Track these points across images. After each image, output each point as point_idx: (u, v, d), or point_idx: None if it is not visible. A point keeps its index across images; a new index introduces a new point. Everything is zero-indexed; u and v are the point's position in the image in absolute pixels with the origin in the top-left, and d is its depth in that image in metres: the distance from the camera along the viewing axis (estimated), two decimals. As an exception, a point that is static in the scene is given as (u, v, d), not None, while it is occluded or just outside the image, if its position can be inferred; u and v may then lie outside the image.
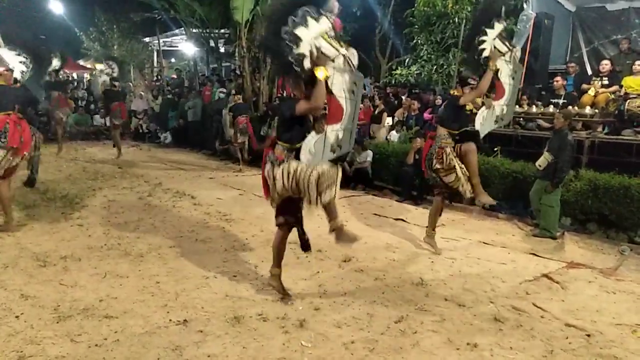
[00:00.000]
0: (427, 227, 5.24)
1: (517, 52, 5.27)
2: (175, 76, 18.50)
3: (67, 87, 16.08)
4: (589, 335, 3.39)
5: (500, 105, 5.21)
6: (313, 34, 3.35)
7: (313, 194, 3.30)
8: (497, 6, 4.92)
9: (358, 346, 3.12)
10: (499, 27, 4.87)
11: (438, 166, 4.80)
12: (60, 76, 15.93)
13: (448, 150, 4.74)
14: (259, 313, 3.50)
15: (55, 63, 11.57)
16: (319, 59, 3.35)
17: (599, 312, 3.79)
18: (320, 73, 3.32)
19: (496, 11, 4.88)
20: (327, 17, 3.46)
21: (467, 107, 4.87)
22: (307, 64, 3.34)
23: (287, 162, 3.42)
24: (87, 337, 3.09)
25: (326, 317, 3.50)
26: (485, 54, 4.78)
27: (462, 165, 4.76)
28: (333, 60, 3.49)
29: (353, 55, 3.64)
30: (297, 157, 3.47)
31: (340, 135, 3.74)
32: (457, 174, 4.72)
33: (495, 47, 4.82)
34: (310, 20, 3.34)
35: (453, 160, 4.72)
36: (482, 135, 5.03)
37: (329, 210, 3.44)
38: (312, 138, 3.51)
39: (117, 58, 12.58)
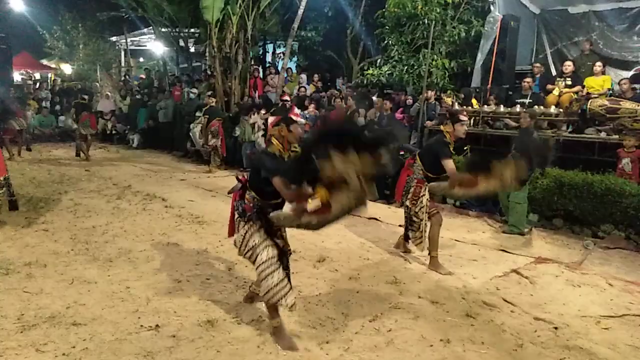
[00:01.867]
0: (429, 251, 4.71)
1: None
2: (143, 76, 18.12)
3: (27, 87, 15.61)
4: (556, 328, 3.50)
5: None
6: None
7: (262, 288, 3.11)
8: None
9: (333, 346, 3.13)
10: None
11: (409, 205, 4.68)
12: (20, 76, 15.42)
13: (424, 200, 4.59)
14: (233, 316, 3.46)
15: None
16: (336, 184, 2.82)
17: (565, 305, 3.91)
18: (316, 199, 2.83)
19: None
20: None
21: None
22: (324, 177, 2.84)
23: (252, 221, 3.19)
24: (54, 346, 2.98)
25: (301, 318, 3.49)
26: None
27: (427, 224, 4.63)
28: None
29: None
30: (264, 215, 3.21)
31: (314, 222, 3.17)
32: (420, 226, 4.61)
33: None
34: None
35: (424, 215, 4.59)
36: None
37: (268, 308, 3.20)
38: (288, 212, 3.13)
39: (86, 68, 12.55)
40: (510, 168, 4.04)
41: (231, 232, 3.42)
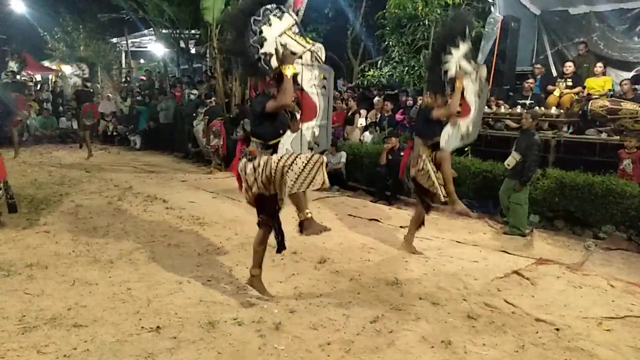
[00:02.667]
0: (406, 233, 5.21)
1: (483, 71, 5.34)
2: (144, 77, 18.12)
3: (29, 88, 15.60)
4: (557, 330, 3.49)
5: (466, 123, 5.21)
6: (277, 32, 3.38)
7: (290, 182, 3.24)
8: (461, 26, 4.94)
9: (334, 347, 3.12)
10: (464, 47, 4.90)
11: (413, 172, 4.84)
12: (22, 78, 15.43)
13: (424, 156, 4.78)
14: (234, 317, 3.46)
15: (11, 65, 11.29)
16: (286, 56, 3.36)
17: (567, 307, 3.91)
18: (287, 71, 3.32)
19: (460, 31, 4.89)
20: (289, 13, 3.47)
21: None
22: (274, 62, 3.36)
23: (260, 157, 3.42)
24: (55, 347, 2.98)
25: (302, 319, 3.48)
26: (451, 74, 4.78)
27: (437, 172, 4.79)
28: (300, 57, 3.51)
29: (320, 49, 3.66)
30: (272, 153, 3.47)
31: (317, 132, 3.76)
32: (431, 178, 4.74)
33: (461, 67, 4.85)
34: (273, 19, 3.37)
35: (427, 165, 4.75)
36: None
37: (297, 202, 3.41)
38: (288, 137, 3.51)
39: (86, 59, 12.34)
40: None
41: (240, 186, 3.61)
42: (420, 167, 4.79)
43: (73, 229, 5.50)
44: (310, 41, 3.62)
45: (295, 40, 3.47)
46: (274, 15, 3.38)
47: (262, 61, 3.33)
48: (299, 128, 3.56)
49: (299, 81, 3.53)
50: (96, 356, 2.92)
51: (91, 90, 11.37)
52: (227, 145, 10.00)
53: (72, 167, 9.91)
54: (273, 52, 3.36)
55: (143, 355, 2.94)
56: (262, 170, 3.36)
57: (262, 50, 3.31)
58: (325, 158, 3.40)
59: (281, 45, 3.39)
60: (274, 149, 3.50)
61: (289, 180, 3.25)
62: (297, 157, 3.32)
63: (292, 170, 3.25)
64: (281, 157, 3.34)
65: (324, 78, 3.74)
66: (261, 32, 3.31)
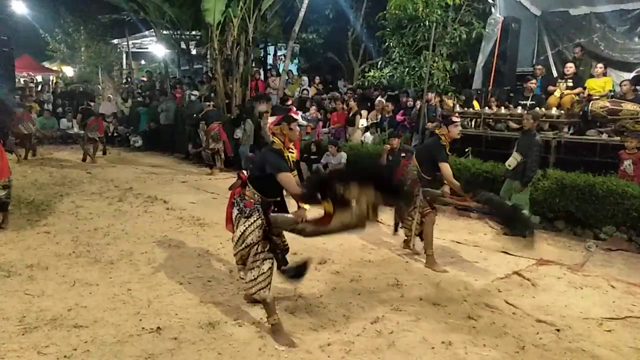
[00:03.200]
0: (425, 250, 4.82)
1: None
2: (144, 78, 18.14)
3: (29, 90, 15.66)
4: (558, 330, 3.48)
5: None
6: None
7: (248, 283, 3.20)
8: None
9: (334, 348, 3.12)
10: None
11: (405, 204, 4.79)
12: (22, 79, 15.52)
13: (417, 201, 4.71)
14: (235, 318, 3.46)
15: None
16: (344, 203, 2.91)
17: (567, 307, 3.90)
18: (328, 207, 2.90)
19: None
20: None
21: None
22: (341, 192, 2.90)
23: (253, 216, 3.23)
24: (56, 348, 2.98)
25: (302, 320, 3.48)
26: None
27: (419, 224, 4.79)
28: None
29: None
30: (276, 208, 3.32)
31: (309, 229, 3.30)
32: (414, 220, 4.76)
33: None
34: None
35: (416, 217, 4.74)
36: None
37: (264, 306, 3.30)
38: (289, 215, 3.29)
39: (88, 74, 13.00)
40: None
41: (230, 227, 3.47)
42: (410, 209, 4.78)
43: (73, 229, 5.51)
44: None
45: None
46: None
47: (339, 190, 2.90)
48: (302, 220, 3.22)
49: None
50: (96, 357, 2.92)
51: (94, 110, 12.36)
52: (229, 146, 9.99)
53: (73, 168, 9.92)
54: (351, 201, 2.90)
55: (143, 356, 2.94)
56: (246, 237, 3.21)
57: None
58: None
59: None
60: (275, 205, 3.32)
61: (248, 277, 3.22)
62: (264, 260, 3.21)
63: (255, 268, 3.19)
64: (266, 262, 3.21)
65: None
66: None
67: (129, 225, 5.77)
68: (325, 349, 3.11)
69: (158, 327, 3.28)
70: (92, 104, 11.98)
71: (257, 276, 3.21)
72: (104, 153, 11.66)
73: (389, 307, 3.75)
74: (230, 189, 3.49)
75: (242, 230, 3.25)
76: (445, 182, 4.66)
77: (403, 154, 7.12)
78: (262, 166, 3.23)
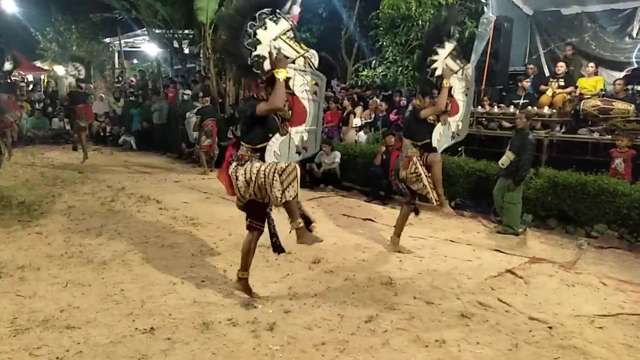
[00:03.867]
0: (393, 233, 5.21)
1: (469, 70, 5.45)
2: (132, 79, 18.00)
3: (20, 89, 15.49)
4: (550, 328, 3.51)
5: (455, 122, 5.32)
6: (272, 35, 3.41)
7: (276, 191, 3.26)
8: (447, 26, 5.02)
9: (329, 347, 3.12)
10: (449, 46, 4.99)
11: (404, 174, 4.87)
12: (13, 78, 15.32)
13: (415, 159, 4.81)
14: (229, 318, 3.45)
15: (7, 66, 11.16)
16: (279, 60, 3.38)
17: (559, 305, 3.93)
18: (279, 74, 3.33)
19: (446, 31, 4.98)
20: (285, 19, 3.50)
21: (429, 119, 4.91)
22: (266, 65, 3.38)
23: (250, 162, 3.42)
24: (48, 349, 2.96)
25: (296, 319, 3.48)
26: (438, 72, 4.86)
27: (428, 174, 4.82)
28: (293, 62, 3.54)
29: (314, 56, 3.69)
30: (261, 158, 3.48)
31: (305, 137, 3.78)
32: (423, 182, 4.78)
33: (447, 66, 4.94)
34: (269, 23, 3.40)
35: (419, 169, 4.78)
36: (439, 150, 5.09)
37: (290, 210, 3.40)
38: (276, 140, 3.52)
39: (82, 58, 12.11)
40: None
41: (230, 191, 3.61)
42: (411, 170, 4.81)
43: (65, 230, 5.46)
44: (305, 47, 3.64)
45: (289, 45, 3.50)
46: (270, 19, 3.41)
47: (255, 63, 3.36)
48: (287, 132, 3.56)
49: (291, 85, 3.55)
50: (89, 358, 2.90)
51: (85, 92, 11.09)
52: (218, 147, 9.97)
53: (65, 168, 9.84)
54: (267, 55, 3.38)
55: (137, 356, 2.93)
56: (256, 177, 3.35)
57: (255, 53, 3.34)
58: (298, 170, 3.37)
59: (275, 49, 3.40)
60: (262, 152, 3.50)
61: (276, 190, 3.27)
62: (277, 167, 3.33)
63: (276, 180, 3.27)
64: (267, 166, 3.36)
65: (316, 84, 3.75)
66: (256, 34, 3.34)
67: (121, 225, 5.73)
68: (320, 348, 3.11)
69: (151, 328, 3.26)
70: (82, 85, 10.99)
71: (284, 180, 3.26)
72: (84, 159, 10.76)
73: (382, 306, 3.76)
74: (224, 147, 3.60)
75: (242, 173, 3.39)
76: (437, 106, 4.78)
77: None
78: (245, 112, 3.47)
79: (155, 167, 10.47)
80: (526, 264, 4.92)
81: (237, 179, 3.45)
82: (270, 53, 3.39)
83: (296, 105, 3.64)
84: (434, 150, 4.96)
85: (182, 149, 11.35)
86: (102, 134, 14.19)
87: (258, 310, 3.59)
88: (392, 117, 9.23)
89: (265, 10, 3.38)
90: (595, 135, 6.74)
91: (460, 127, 5.42)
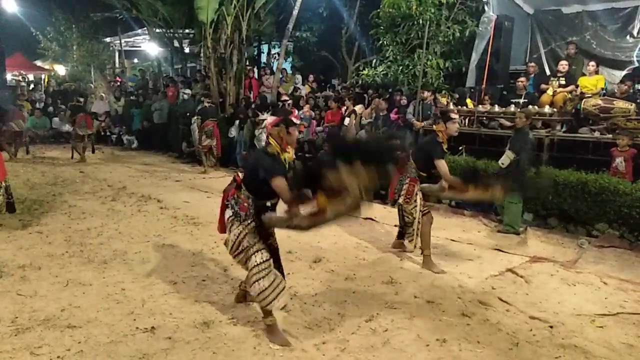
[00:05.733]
0: (421, 250, 4.79)
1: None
2: (120, 79, 17.98)
3: (20, 88, 15.52)
4: (551, 327, 3.51)
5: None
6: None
7: (254, 292, 3.11)
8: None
9: (329, 346, 3.12)
10: None
11: (402, 203, 4.74)
12: (13, 78, 15.38)
13: (418, 199, 4.65)
14: (229, 317, 3.45)
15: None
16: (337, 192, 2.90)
17: (560, 304, 3.93)
18: (322, 204, 2.90)
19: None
20: None
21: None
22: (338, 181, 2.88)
23: (247, 221, 3.18)
24: (49, 349, 2.97)
25: (297, 319, 3.49)
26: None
27: (420, 222, 4.69)
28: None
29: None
30: (258, 215, 3.20)
31: (304, 223, 3.21)
32: (416, 218, 4.68)
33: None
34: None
35: (417, 213, 4.66)
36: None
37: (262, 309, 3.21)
38: (283, 215, 3.18)
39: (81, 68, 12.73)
40: (499, 189, 4.30)
41: (222, 229, 3.41)
42: (410, 207, 4.69)
43: (66, 229, 5.47)
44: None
45: None
46: None
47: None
48: (296, 217, 3.06)
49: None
50: (90, 357, 2.91)
51: (84, 106, 11.88)
52: (221, 146, 9.99)
53: (65, 167, 9.85)
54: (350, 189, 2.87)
55: (138, 355, 2.93)
56: (241, 241, 3.15)
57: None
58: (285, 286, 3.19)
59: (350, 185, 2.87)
60: (270, 209, 3.24)
61: (254, 289, 3.11)
62: (268, 273, 3.11)
63: (256, 279, 3.09)
64: (258, 253, 3.14)
65: None
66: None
67: (122, 224, 5.74)
68: (320, 347, 3.12)
69: (152, 327, 3.26)
70: (81, 99, 11.65)
71: (265, 288, 3.07)
72: (92, 151, 11.39)
73: (383, 306, 3.76)
74: (224, 191, 3.42)
75: (236, 234, 3.19)
76: (443, 179, 4.58)
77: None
78: (255, 169, 3.15)
79: (155, 166, 10.47)
80: (527, 263, 4.92)
81: (230, 231, 3.24)
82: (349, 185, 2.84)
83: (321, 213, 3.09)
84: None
85: (183, 148, 11.35)
86: (102, 133, 14.18)
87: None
88: (393, 116, 9.21)
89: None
90: (596, 134, 6.73)
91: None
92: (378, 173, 2.93)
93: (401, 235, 5.09)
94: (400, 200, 4.74)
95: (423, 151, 4.76)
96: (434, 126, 5.02)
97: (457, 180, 4.46)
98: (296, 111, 9.49)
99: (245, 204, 3.19)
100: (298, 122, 3.15)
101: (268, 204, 3.24)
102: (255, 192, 3.19)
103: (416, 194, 4.68)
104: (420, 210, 4.69)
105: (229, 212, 3.28)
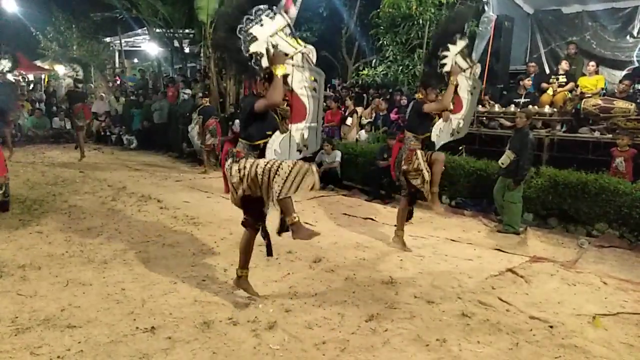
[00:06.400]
0: (395, 228, 5.28)
1: (477, 69, 5.47)
2: (126, 80, 17.98)
3: (21, 88, 15.51)
4: (551, 327, 3.51)
5: (457, 119, 5.34)
6: (269, 32, 3.41)
7: (276, 186, 3.21)
8: (460, 24, 5.07)
9: (329, 346, 3.12)
10: (461, 43, 5.03)
11: (405, 167, 4.89)
12: (13, 78, 15.34)
13: (419, 153, 4.82)
14: (229, 317, 3.45)
15: (5, 64, 11.27)
16: (276, 56, 3.38)
17: (560, 304, 3.93)
18: (277, 70, 3.33)
19: (459, 28, 5.02)
20: (282, 15, 3.50)
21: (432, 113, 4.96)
22: (264, 62, 3.39)
23: (246, 159, 3.41)
24: (49, 349, 2.97)
25: (297, 319, 3.48)
26: (446, 68, 4.90)
27: (429, 170, 4.83)
28: (291, 58, 3.53)
29: (311, 52, 3.69)
30: (260, 156, 3.45)
31: (306, 134, 3.77)
32: (423, 177, 4.80)
33: (456, 63, 4.96)
34: (265, 19, 3.40)
35: (422, 164, 4.79)
36: (437, 146, 5.12)
37: (285, 207, 3.35)
38: (276, 137, 3.51)
39: (79, 59, 12.33)
40: None
41: (226, 189, 3.60)
42: (414, 165, 4.82)
43: (66, 229, 5.47)
44: (302, 43, 3.64)
45: (286, 42, 3.51)
46: (267, 15, 3.42)
47: (253, 60, 3.36)
48: (288, 129, 3.55)
49: (289, 82, 3.54)
50: (90, 357, 2.91)
51: (83, 91, 11.43)
52: (221, 144, 9.99)
53: (66, 167, 9.85)
54: (264, 51, 3.38)
55: (138, 355, 2.93)
56: (248, 172, 3.33)
57: (252, 49, 3.34)
58: (314, 166, 3.35)
59: (272, 45, 3.41)
60: (262, 150, 3.49)
61: (276, 185, 3.21)
62: (282, 162, 3.29)
63: (279, 175, 3.21)
64: (268, 162, 3.31)
65: (315, 80, 3.76)
66: (252, 30, 3.34)
67: (122, 224, 5.74)
68: (320, 347, 3.12)
69: (152, 327, 3.26)
70: (80, 85, 11.39)
71: (288, 173, 3.19)
72: (82, 154, 11.01)
73: (383, 305, 3.76)
74: (222, 142, 3.59)
75: (237, 169, 3.36)
76: (442, 103, 4.81)
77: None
78: (245, 109, 3.45)
79: (156, 166, 10.47)
80: (527, 263, 4.92)
81: (231, 174, 3.43)
82: (267, 50, 3.39)
83: (295, 102, 3.64)
84: (433, 144, 4.97)
85: (183, 148, 11.35)
86: (102, 133, 14.19)
87: (259, 310, 3.59)
88: (393, 116, 9.22)
89: (261, 6, 3.39)
90: (596, 134, 6.73)
91: (461, 125, 5.43)
92: None
93: (411, 212, 5.29)
94: (404, 167, 4.89)
95: (413, 114, 5.02)
96: (417, 95, 5.23)
97: (448, 99, 4.77)
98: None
99: (242, 151, 3.44)
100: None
101: (261, 144, 3.48)
102: (249, 134, 3.44)
103: (415, 157, 4.81)
104: (425, 167, 4.81)
105: (227, 163, 3.49)
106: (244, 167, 3.36)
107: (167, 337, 3.15)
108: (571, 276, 4.59)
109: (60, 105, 13.96)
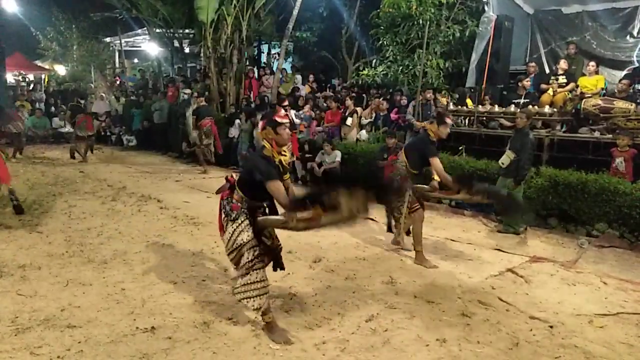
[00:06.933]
0: (414, 247, 4.85)
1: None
2: (126, 80, 17.98)
3: (21, 89, 15.54)
4: (551, 327, 3.51)
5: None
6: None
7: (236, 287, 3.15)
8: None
9: (329, 346, 3.12)
10: None
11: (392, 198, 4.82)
12: (13, 77, 15.37)
13: (407, 196, 4.73)
14: (229, 317, 3.45)
15: None
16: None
17: (560, 304, 3.93)
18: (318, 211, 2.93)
19: None
20: None
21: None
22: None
23: (240, 220, 3.19)
24: (49, 349, 2.96)
25: (297, 319, 3.48)
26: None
27: (408, 218, 4.82)
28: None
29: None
30: (252, 214, 3.24)
31: (300, 226, 3.27)
32: (402, 214, 4.82)
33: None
34: None
35: (404, 208, 4.78)
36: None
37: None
38: (278, 217, 3.23)
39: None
40: (484, 199, 4.61)
41: (221, 230, 3.44)
42: (399, 204, 4.83)
43: (66, 229, 5.47)
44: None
45: None
46: None
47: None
48: (292, 222, 3.06)
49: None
50: (90, 357, 2.90)
51: (84, 105, 12.30)
52: (221, 145, 9.96)
53: (65, 167, 9.85)
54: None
55: (138, 355, 2.93)
56: (235, 239, 3.17)
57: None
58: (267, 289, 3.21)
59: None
60: (262, 209, 3.30)
61: (239, 281, 3.16)
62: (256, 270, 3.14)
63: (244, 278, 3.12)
64: (250, 250, 3.14)
65: None
66: None
67: (122, 224, 5.74)
68: (320, 347, 3.12)
69: (152, 327, 3.26)
70: (81, 101, 11.80)
71: (250, 282, 3.13)
72: (92, 151, 11.35)
73: (383, 305, 3.76)
74: (217, 192, 3.46)
75: (230, 232, 3.21)
76: (437, 176, 4.65)
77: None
78: (250, 172, 3.18)
79: (156, 166, 10.47)
80: (527, 263, 4.92)
81: (225, 231, 3.27)
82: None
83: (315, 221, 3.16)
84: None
85: (183, 148, 11.35)
86: (102, 133, 14.19)
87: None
88: (393, 116, 9.22)
89: None
90: (596, 134, 6.73)
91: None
92: (374, 198, 3.10)
93: (389, 227, 5.27)
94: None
95: (416, 149, 4.85)
96: (426, 124, 5.11)
97: (450, 179, 4.51)
98: (282, 110, 9.49)
99: (238, 204, 3.22)
100: (285, 121, 3.20)
101: (264, 204, 3.31)
102: (250, 193, 3.22)
103: (405, 191, 4.74)
104: (407, 207, 4.76)
105: (223, 214, 3.32)
106: (234, 234, 3.18)
107: (167, 337, 3.15)
108: (571, 276, 4.59)
109: (63, 120, 14.13)
